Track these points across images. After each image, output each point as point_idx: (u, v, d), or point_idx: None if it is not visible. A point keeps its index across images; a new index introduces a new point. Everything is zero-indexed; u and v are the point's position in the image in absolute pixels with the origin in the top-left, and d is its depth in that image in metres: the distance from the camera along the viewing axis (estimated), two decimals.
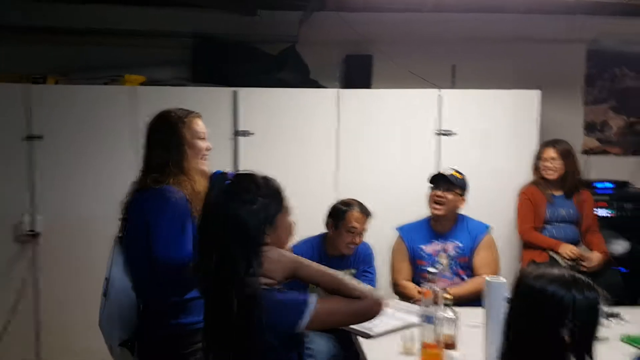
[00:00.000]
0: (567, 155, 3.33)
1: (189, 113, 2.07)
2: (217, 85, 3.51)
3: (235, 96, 3.46)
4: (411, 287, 2.86)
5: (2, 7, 3.57)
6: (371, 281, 2.81)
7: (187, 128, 2.01)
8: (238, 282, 1.40)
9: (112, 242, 3.19)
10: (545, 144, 3.38)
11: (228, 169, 3.06)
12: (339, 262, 2.80)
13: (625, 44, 4.10)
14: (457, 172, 2.98)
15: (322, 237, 2.90)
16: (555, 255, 3.21)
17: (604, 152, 4.18)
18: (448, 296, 2.11)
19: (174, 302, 1.92)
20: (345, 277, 1.50)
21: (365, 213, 2.83)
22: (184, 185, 1.94)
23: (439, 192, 2.90)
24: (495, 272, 2.81)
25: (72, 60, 3.68)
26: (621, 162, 4.15)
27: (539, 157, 3.37)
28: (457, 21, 3.94)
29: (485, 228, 2.98)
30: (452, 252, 2.92)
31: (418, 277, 2.89)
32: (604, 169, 4.02)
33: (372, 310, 1.47)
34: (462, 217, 3.00)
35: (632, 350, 2.11)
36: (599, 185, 3.74)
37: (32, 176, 3.36)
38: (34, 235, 3.34)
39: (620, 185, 3.82)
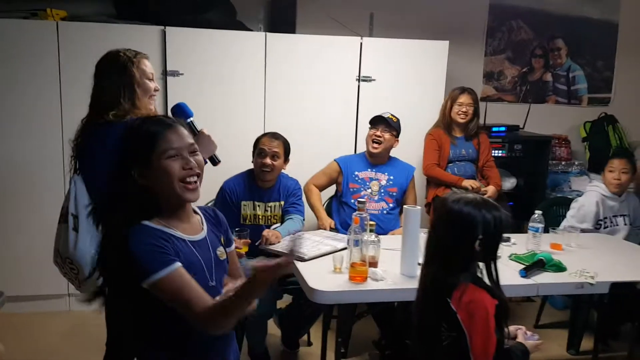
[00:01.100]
0: (476, 101, 3.72)
1: (137, 53, 2.14)
2: (143, 23, 3.51)
3: (163, 35, 3.49)
4: (324, 219, 3.20)
5: None
6: (300, 212, 3.07)
7: (136, 68, 2.08)
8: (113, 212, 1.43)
9: (43, 183, 3.24)
10: (461, 90, 3.68)
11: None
12: (268, 193, 3.04)
13: None
14: (393, 115, 3.32)
15: (248, 172, 3.10)
16: (457, 190, 3.65)
17: (499, 100, 4.67)
18: (372, 223, 2.44)
19: None
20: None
21: (276, 137, 3.03)
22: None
23: (378, 132, 3.25)
24: None
25: None
26: (514, 108, 4.67)
27: (452, 102, 3.67)
28: None
29: (413, 169, 3.41)
30: (383, 182, 3.30)
31: (349, 198, 3.26)
32: (499, 115, 4.51)
33: (196, 322, 1.39)
34: (393, 157, 3.40)
35: (519, 266, 2.54)
36: (494, 129, 4.21)
37: None
38: None
39: (512, 128, 4.32)
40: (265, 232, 2.77)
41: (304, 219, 3.08)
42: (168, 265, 1.39)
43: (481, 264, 1.70)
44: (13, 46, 3.32)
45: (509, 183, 4.16)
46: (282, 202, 3.06)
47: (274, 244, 2.72)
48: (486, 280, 1.70)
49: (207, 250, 1.55)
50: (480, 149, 3.78)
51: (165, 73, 3.51)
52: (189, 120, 2.14)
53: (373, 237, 2.41)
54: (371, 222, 2.45)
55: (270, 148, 2.97)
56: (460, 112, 3.65)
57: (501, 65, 4.65)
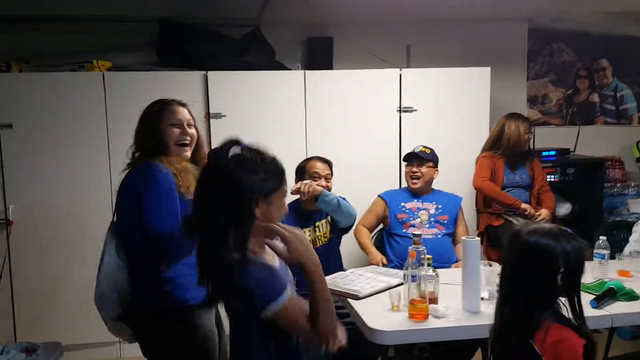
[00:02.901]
0: (531, 128, 3.63)
1: (172, 101, 2.19)
2: (185, 69, 3.58)
3: (205, 80, 3.55)
4: (375, 254, 3.12)
5: None
6: (351, 206, 2.97)
7: (160, 116, 2.11)
8: (217, 248, 1.45)
9: (84, 229, 3.26)
10: (524, 119, 3.60)
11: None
12: (314, 215, 3.00)
13: (558, 21, 4.45)
14: (425, 147, 3.28)
15: (294, 202, 3.04)
16: (510, 218, 3.52)
17: (546, 123, 4.55)
18: (429, 257, 2.34)
19: (166, 278, 1.99)
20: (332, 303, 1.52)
21: (325, 161, 3.05)
22: (169, 162, 2.05)
23: (414, 168, 3.23)
24: None
25: (36, 47, 3.65)
26: (561, 131, 4.53)
27: (517, 128, 3.52)
28: (409, 2, 4.14)
29: (461, 199, 3.35)
30: (432, 211, 3.23)
31: (399, 229, 3.19)
32: (547, 139, 4.38)
33: (314, 343, 1.48)
34: (436, 189, 3.35)
35: (588, 296, 2.35)
36: (544, 153, 4.08)
37: (2, 165, 3.36)
38: (7, 222, 3.37)
39: (562, 152, 4.19)
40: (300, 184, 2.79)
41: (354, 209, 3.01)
42: (283, 292, 1.46)
43: (563, 299, 1.58)
44: (62, 99, 3.42)
45: (564, 209, 4.00)
46: (329, 218, 3.01)
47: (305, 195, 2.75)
48: (569, 315, 1.57)
49: (286, 276, 1.61)
50: (534, 175, 3.66)
51: (208, 116, 3.55)
52: None
53: (431, 271, 2.31)
54: (428, 256, 2.35)
55: (323, 170, 3.01)
56: (526, 140, 3.56)
57: (545, 88, 4.54)
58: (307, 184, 2.84)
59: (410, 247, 2.29)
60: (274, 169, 1.55)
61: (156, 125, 2.09)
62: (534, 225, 1.63)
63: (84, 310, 3.40)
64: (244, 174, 1.48)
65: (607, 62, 4.57)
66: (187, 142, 2.16)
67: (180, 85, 3.49)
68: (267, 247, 1.57)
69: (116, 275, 2.03)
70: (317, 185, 2.90)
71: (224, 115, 3.57)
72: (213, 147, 3.50)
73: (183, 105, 2.22)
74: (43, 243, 3.47)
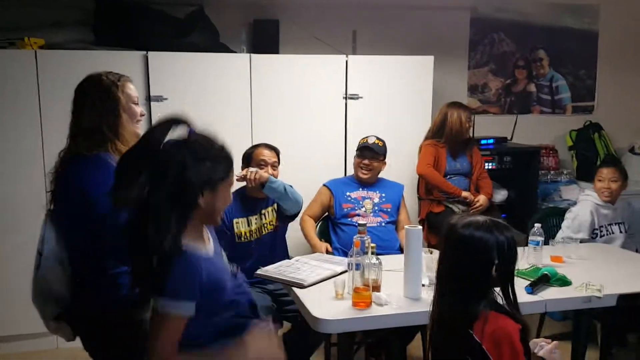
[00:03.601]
0: (471, 117, 3.73)
1: (121, 76, 1.99)
2: (124, 49, 3.43)
3: (145, 60, 3.42)
4: (319, 246, 3.13)
5: None
6: (298, 194, 2.99)
7: (121, 91, 1.94)
8: (157, 235, 1.41)
9: (26, 218, 3.11)
10: (465, 107, 3.68)
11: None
12: (260, 203, 2.98)
13: (500, 11, 4.56)
14: (379, 139, 3.31)
15: (241, 187, 3.00)
16: (450, 205, 3.62)
17: (485, 112, 4.67)
18: (373, 245, 2.37)
19: (112, 274, 1.87)
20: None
21: (272, 148, 3.04)
22: (119, 150, 1.87)
23: (366, 161, 3.25)
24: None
25: None
26: (499, 120, 4.67)
27: (458, 116, 3.59)
28: None
29: (403, 187, 3.40)
30: (376, 200, 3.27)
31: (345, 218, 3.22)
32: (485, 127, 4.50)
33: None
34: (381, 178, 3.38)
35: (523, 281, 2.46)
36: (483, 141, 4.20)
37: None
38: None
39: (500, 140, 4.32)
40: (246, 171, 2.80)
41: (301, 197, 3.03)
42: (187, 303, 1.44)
43: (497, 289, 1.64)
44: None
45: (500, 195, 4.14)
46: (275, 205, 2.99)
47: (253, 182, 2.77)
48: (503, 303, 1.63)
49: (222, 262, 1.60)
50: (473, 162, 3.76)
51: (149, 98, 3.43)
52: None
53: (375, 259, 2.34)
54: (372, 245, 2.38)
55: (270, 158, 2.99)
56: (468, 129, 3.65)
57: (485, 77, 4.66)
58: (253, 171, 2.82)
59: (355, 237, 2.31)
60: (223, 158, 1.52)
61: (116, 103, 1.90)
62: (468, 219, 1.67)
63: (17, 301, 3.26)
64: (190, 162, 1.43)
65: (545, 52, 4.73)
66: (141, 120, 2.04)
67: (118, 66, 3.16)
68: (203, 233, 1.54)
69: (57, 270, 1.89)
70: (264, 173, 2.87)
71: (166, 99, 3.45)
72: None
73: (131, 80, 2.08)
74: None
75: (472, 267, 1.61)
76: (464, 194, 3.57)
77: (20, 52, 3.26)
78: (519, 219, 3.93)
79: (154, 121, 3.34)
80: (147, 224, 1.42)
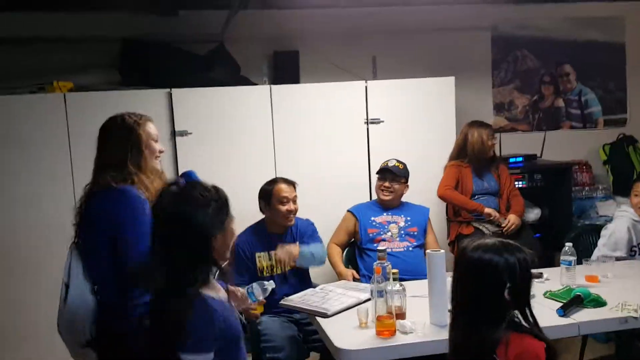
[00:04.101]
0: (495, 134, 3.67)
1: (142, 116, 2.11)
2: (148, 87, 3.53)
3: (169, 97, 3.51)
4: (345, 273, 3.09)
5: None
6: (319, 241, 3.01)
7: (142, 129, 2.05)
8: (179, 287, 1.48)
9: (56, 248, 3.18)
10: (486, 126, 3.61)
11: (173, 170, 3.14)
12: (281, 238, 2.97)
13: (521, 29, 4.51)
14: (399, 162, 3.29)
15: (260, 221, 3.04)
16: (479, 226, 3.53)
17: (512, 130, 4.59)
18: (395, 271, 2.33)
19: (137, 303, 1.90)
20: None
21: (290, 182, 3.03)
22: (144, 185, 1.98)
23: (387, 184, 3.24)
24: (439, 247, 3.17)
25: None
26: (528, 137, 4.58)
27: (478, 136, 3.54)
28: (374, 15, 4.17)
29: (428, 209, 3.35)
30: (401, 224, 3.23)
31: (371, 244, 3.18)
32: (514, 145, 4.42)
33: None
34: (405, 202, 3.35)
35: (556, 304, 2.37)
36: (512, 160, 4.11)
37: None
38: None
39: (529, 158, 4.22)
40: (280, 250, 2.79)
41: (324, 247, 3.07)
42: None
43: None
44: (22, 122, 3.35)
45: (533, 214, 4.03)
46: (297, 243, 2.97)
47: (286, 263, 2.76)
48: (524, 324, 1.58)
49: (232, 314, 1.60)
50: (500, 181, 3.68)
51: (173, 134, 3.51)
52: None
53: (397, 286, 2.30)
54: (394, 270, 2.34)
55: (291, 193, 2.98)
56: (491, 148, 3.58)
57: (510, 95, 4.59)
58: (283, 257, 2.80)
59: (375, 264, 2.28)
60: (220, 197, 1.59)
61: (137, 140, 2.01)
62: (478, 242, 1.63)
63: (43, 328, 3.31)
64: (197, 211, 1.51)
65: (571, 67, 4.64)
66: (160, 157, 2.13)
67: (144, 104, 3.39)
68: (212, 280, 1.57)
69: (85, 300, 1.95)
70: (288, 209, 2.92)
71: (190, 133, 3.53)
72: (180, 165, 3.47)
73: (152, 120, 2.17)
74: (7, 264, 3.38)
75: (483, 290, 1.57)
76: (487, 210, 3.47)
77: (50, 96, 3.40)
78: (554, 238, 3.83)
79: (179, 154, 3.47)
80: (166, 274, 1.49)
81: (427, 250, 2.33)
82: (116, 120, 2.06)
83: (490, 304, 1.56)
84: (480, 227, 3.53)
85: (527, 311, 1.57)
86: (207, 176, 3.17)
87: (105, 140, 2.04)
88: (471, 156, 3.56)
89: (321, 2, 3.98)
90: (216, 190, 1.60)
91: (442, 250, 2.30)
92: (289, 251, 2.83)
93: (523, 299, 1.58)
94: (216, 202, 1.56)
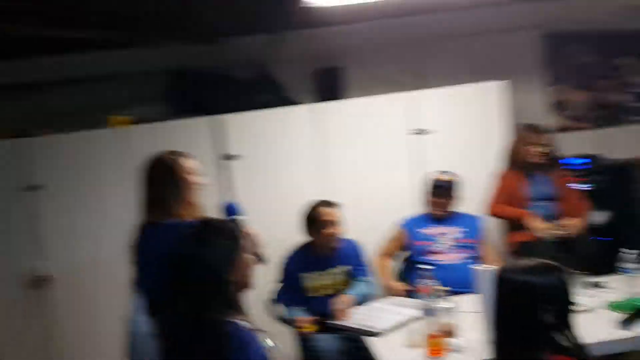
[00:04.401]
0: (550, 138, 3.51)
1: (178, 152, 2.24)
2: (198, 115, 3.66)
3: (217, 123, 3.62)
4: (395, 287, 3.06)
5: None
6: (368, 273, 3.00)
7: (179, 165, 2.18)
8: (206, 321, 1.54)
9: (121, 278, 3.34)
10: (531, 130, 3.46)
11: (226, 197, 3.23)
12: (327, 260, 2.98)
13: (573, 23, 4.31)
14: (450, 175, 3.23)
15: (305, 245, 3.06)
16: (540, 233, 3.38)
17: (572, 129, 4.39)
18: (444, 289, 2.29)
19: None
20: None
21: (332, 204, 3.03)
22: (184, 217, 2.10)
23: (439, 199, 3.19)
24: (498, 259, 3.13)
25: (58, 108, 3.81)
26: (589, 135, 4.36)
27: (525, 143, 3.44)
28: (418, 23, 4.09)
29: (482, 219, 3.27)
30: (454, 235, 3.16)
31: (422, 257, 3.11)
32: (575, 145, 4.21)
33: None
34: (456, 212, 3.27)
35: (619, 315, 2.25)
36: (572, 161, 3.93)
37: (37, 224, 3.52)
38: (44, 279, 3.51)
39: (591, 158, 4.01)
40: (334, 303, 2.70)
41: (373, 280, 3.02)
42: None
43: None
44: (86, 156, 3.55)
45: (599, 217, 3.82)
46: (345, 267, 2.99)
47: (344, 316, 2.63)
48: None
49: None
50: (559, 185, 3.53)
51: (224, 158, 3.61)
52: (236, 217, 2.16)
53: (447, 303, 2.25)
54: (443, 288, 2.30)
55: (333, 216, 2.97)
56: (535, 153, 3.42)
57: (568, 93, 4.40)
58: (342, 306, 2.75)
59: (421, 282, 2.25)
60: (230, 231, 1.66)
61: (175, 176, 2.14)
62: (516, 262, 1.59)
63: None
64: (209, 251, 1.58)
65: (632, 59, 4.39)
66: (199, 189, 2.22)
67: (193, 132, 3.58)
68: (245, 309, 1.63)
69: (149, 335, 2.04)
70: (331, 232, 2.93)
71: (240, 156, 3.62)
72: (235, 188, 3.56)
73: (190, 155, 2.28)
74: (80, 295, 3.57)
75: (522, 312, 1.52)
76: (532, 221, 3.30)
77: (109, 131, 3.60)
78: (622, 241, 3.61)
79: (233, 179, 3.57)
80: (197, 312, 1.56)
81: (475, 267, 2.26)
82: (157, 159, 2.19)
83: (529, 325, 1.51)
84: (512, 260, 3.37)
85: (568, 333, 1.50)
86: (255, 197, 3.31)
87: (147, 179, 2.18)
88: (518, 163, 3.45)
89: (363, 15, 3.97)
90: (227, 225, 1.69)
91: (491, 266, 2.23)
92: (343, 306, 2.76)
93: (563, 320, 1.52)
94: (227, 238, 1.63)
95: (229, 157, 3.61)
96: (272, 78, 3.88)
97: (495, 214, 3.46)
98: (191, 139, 3.51)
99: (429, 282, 2.26)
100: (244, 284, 1.66)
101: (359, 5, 3.24)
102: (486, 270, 2.20)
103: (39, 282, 3.50)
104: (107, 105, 3.79)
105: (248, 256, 1.68)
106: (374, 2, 3.26)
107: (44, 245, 3.54)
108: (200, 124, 3.62)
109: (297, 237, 3.07)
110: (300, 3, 3.05)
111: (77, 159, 3.54)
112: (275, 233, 3.39)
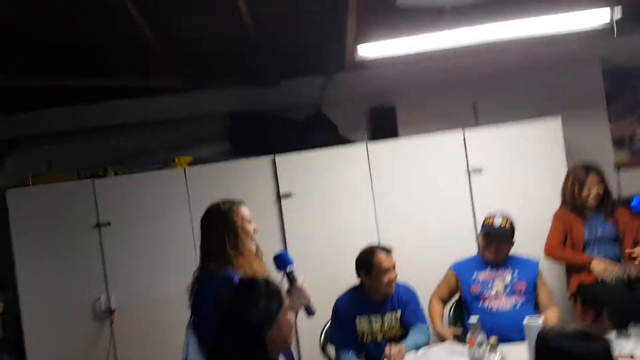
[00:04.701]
0: (604, 178, 3.41)
1: (234, 202, 2.36)
2: (256, 155, 3.81)
3: (274, 163, 3.76)
4: (445, 333, 3.02)
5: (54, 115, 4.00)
6: (422, 320, 2.97)
7: (236, 215, 2.30)
8: None
9: (177, 314, 3.50)
10: (585, 170, 3.40)
11: (275, 236, 3.31)
12: (382, 305, 2.98)
13: (634, 58, 4.17)
14: (505, 219, 3.15)
15: (358, 287, 3.07)
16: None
17: (637, 165, 4.23)
18: (493, 340, 2.27)
19: None
20: None
21: (387, 250, 3.03)
22: (242, 266, 2.20)
23: (493, 246, 3.13)
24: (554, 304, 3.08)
25: (125, 151, 4.11)
26: None
27: (579, 184, 3.38)
28: (471, 60, 4.05)
29: (537, 263, 3.18)
30: (507, 279, 3.09)
31: (475, 302, 3.07)
32: (638, 182, 4.07)
33: None
34: (511, 255, 3.19)
35: None
36: (636, 198, 3.77)
37: (104, 259, 3.75)
38: (110, 312, 3.72)
39: None
40: (388, 350, 2.71)
41: (428, 327, 2.98)
42: None
43: None
44: (151, 195, 3.77)
45: None
46: (399, 312, 2.99)
47: None
48: None
49: None
50: (620, 226, 3.41)
51: (278, 196, 3.73)
52: (289, 269, 2.24)
53: (497, 356, 2.24)
54: (492, 339, 2.28)
55: (390, 262, 2.98)
56: (589, 196, 3.35)
57: (631, 128, 4.25)
58: (395, 353, 2.71)
59: (468, 335, 2.25)
60: (271, 292, 1.72)
61: (233, 225, 2.25)
62: (558, 329, 1.60)
63: None
64: (248, 309, 1.66)
65: None
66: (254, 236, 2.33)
67: (251, 171, 3.73)
68: None
69: None
70: (390, 279, 2.93)
71: (293, 195, 3.73)
72: (286, 226, 3.68)
73: (244, 203, 2.40)
74: (143, 328, 3.76)
75: None
76: (595, 266, 3.22)
77: (172, 171, 3.81)
78: None
79: (285, 215, 3.68)
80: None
81: (524, 322, 2.24)
82: (213, 209, 2.32)
83: None
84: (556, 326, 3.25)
85: None
86: (310, 236, 3.34)
87: (206, 229, 2.31)
88: (574, 204, 3.36)
89: (414, 57, 4.01)
90: (267, 284, 1.75)
91: (540, 319, 2.20)
92: (397, 353, 2.72)
93: None
94: (266, 297, 1.70)
95: (286, 196, 3.72)
96: (327, 118, 3.99)
97: (554, 257, 3.39)
98: (251, 178, 3.68)
99: (478, 333, 2.25)
100: (283, 344, 1.73)
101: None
102: (533, 324, 2.18)
103: (104, 315, 3.72)
104: (171, 146, 4.02)
105: (291, 316, 1.75)
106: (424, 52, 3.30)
107: (110, 279, 3.76)
108: (259, 163, 3.76)
109: (351, 277, 3.10)
110: (355, 53, 3.15)
111: (142, 197, 3.76)
112: (328, 272, 3.51)
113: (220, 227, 2.27)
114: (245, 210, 2.34)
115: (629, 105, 4.24)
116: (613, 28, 3.05)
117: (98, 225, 3.75)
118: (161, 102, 4.04)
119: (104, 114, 4.06)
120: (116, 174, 3.83)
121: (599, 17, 3.11)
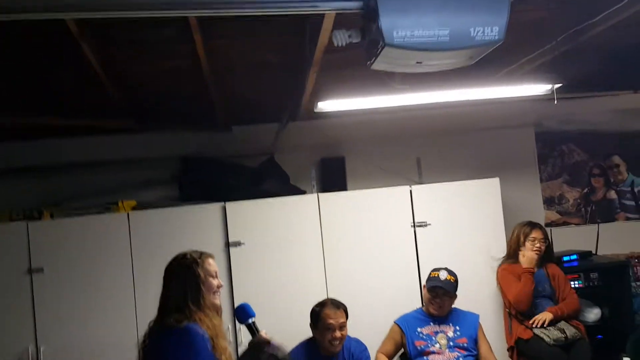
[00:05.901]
0: (547, 235, 3.66)
1: (201, 254, 2.26)
2: (204, 202, 3.74)
3: (223, 211, 3.70)
4: None
5: None
6: None
7: (201, 268, 2.20)
8: None
9: None
10: (531, 226, 3.63)
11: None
12: (332, 359, 2.97)
13: (566, 123, 4.54)
14: (450, 274, 3.28)
15: (312, 339, 3.07)
16: (539, 333, 3.42)
17: (565, 224, 4.52)
18: None
19: None
20: None
21: (338, 306, 3.02)
22: (203, 322, 2.11)
23: (437, 300, 3.23)
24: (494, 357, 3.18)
25: (66, 191, 3.91)
26: (582, 231, 4.49)
27: (525, 239, 3.59)
28: (417, 117, 4.23)
29: (477, 317, 3.30)
30: (450, 334, 3.18)
31: (420, 357, 3.14)
32: (567, 240, 4.33)
33: None
34: (453, 308, 3.31)
35: None
36: (565, 258, 4.01)
37: (34, 307, 3.50)
38: None
39: (585, 255, 4.11)
40: None
41: None
42: None
43: None
44: (90, 241, 3.57)
45: (593, 314, 3.87)
46: None
47: None
48: None
49: None
50: (554, 282, 3.61)
51: (227, 245, 3.66)
52: (250, 321, 2.19)
53: None
54: None
55: (337, 320, 2.97)
56: (536, 248, 3.55)
57: (560, 189, 4.57)
58: None
59: None
60: None
61: (196, 279, 2.15)
62: None
63: None
64: None
65: (620, 158, 4.60)
66: (219, 292, 2.25)
67: (200, 218, 3.65)
68: None
69: None
70: (333, 336, 2.93)
71: (242, 243, 3.67)
72: (233, 275, 3.60)
73: (212, 256, 2.32)
74: None
75: None
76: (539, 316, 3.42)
77: (114, 216, 3.66)
78: (617, 340, 3.67)
79: (233, 265, 3.61)
80: None
81: None
82: (177, 259, 2.22)
83: None
84: (541, 335, 3.41)
85: None
86: (259, 286, 3.26)
87: (168, 280, 2.20)
88: (515, 257, 3.57)
89: (365, 111, 4.15)
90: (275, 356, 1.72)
91: None
92: None
93: None
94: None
95: (235, 244, 3.66)
96: (279, 166, 4.01)
97: (523, 301, 3.47)
98: (199, 225, 3.60)
99: None
100: None
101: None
102: None
103: None
104: (116, 188, 3.88)
105: None
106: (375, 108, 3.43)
107: (39, 330, 3.50)
108: (209, 210, 3.69)
109: (299, 328, 3.07)
110: (312, 106, 3.22)
111: (79, 242, 3.56)
112: (276, 323, 3.42)
113: (183, 279, 2.17)
114: (212, 264, 2.26)
115: (557, 167, 4.56)
116: (554, 95, 3.30)
117: (30, 271, 3.50)
118: (109, 142, 3.92)
119: (43, 151, 3.88)
120: (52, 217, 3.62)
121: (541, 87, 3.37)
